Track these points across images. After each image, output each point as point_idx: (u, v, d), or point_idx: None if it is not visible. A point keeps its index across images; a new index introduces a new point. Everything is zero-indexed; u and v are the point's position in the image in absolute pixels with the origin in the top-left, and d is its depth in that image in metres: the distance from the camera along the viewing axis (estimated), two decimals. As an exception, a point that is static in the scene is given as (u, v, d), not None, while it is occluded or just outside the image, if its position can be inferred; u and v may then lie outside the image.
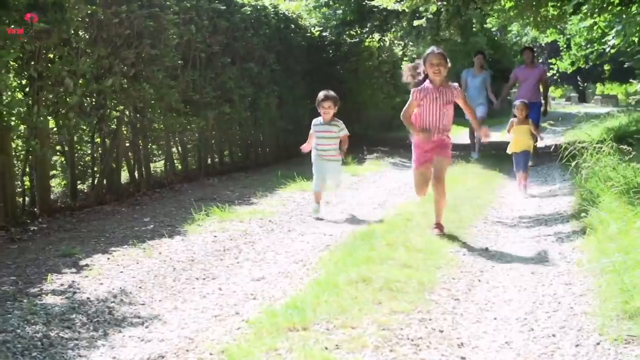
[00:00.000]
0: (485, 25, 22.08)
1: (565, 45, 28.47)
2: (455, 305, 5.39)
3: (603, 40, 20.73)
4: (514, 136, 11.19)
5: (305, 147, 9.55)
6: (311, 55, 17.50)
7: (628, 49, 19.10)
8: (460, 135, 22.54)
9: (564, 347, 4.46)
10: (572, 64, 26.72)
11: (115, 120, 10.29)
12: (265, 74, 14.31)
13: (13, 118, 8.12)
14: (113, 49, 9.69)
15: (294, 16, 16.67)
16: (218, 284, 6.05)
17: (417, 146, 8.05)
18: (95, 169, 10.04)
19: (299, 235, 8.03)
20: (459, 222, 8.40)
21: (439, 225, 7.85)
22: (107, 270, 6.40)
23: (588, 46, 24.36)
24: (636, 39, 16.62)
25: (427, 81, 7.84)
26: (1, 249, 7.16)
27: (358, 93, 19.39)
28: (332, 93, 9.25)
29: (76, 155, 9.82)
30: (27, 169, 8.70)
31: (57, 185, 10.00)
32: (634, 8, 14.98)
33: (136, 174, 11.04)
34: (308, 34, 17.70)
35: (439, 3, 16.30)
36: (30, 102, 8.37)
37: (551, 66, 28.69)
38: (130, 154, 10.92)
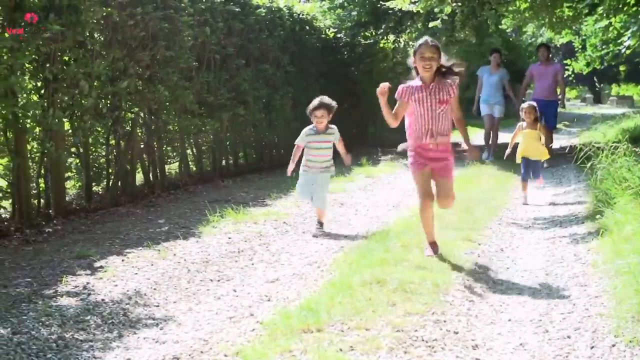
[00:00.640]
0: (500, 26, 22.00)
1: (580, 46, 28.40)
2: (469, 306, 5.37)
3: (618, 41, 20.67)
4: (522, 142, 10.36)
5: (290, 169, 8.37)
6: (326, 56, 17.49)
7: (643, 50, 19.04)
8: (475, 136, 22.51)
9: (579, 348, 4.45)
10: (588, 64, 26.66)
11: (130, 122, 10.33)
12: (279, 76, 14.31)
13: (28, 120, 8.16)
14: (128, 51, 9.72)
15: (309, 18, 16.67)
16: (232, 286, 6.06)
17: (413, 154, 6.80)
18: (110, 170, 10.07)
19: (313, 236, 8.02)
20: (474, 223, 8.37)
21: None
22: (121, 271, 6.42)
23: (603, 47, 24.27)
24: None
25: (417, 78, 6.73)
26: (16, 251, 7.20)
27: (373, 94, 19.30)
28: (327, 100, 8.31)
29: (91, 157, 9.86)
30: (42, 171, 8.74)
31: (72, 187, 10.03)
32: (649, 9, 14.93)
33: (151, 175, 11.07)
34: (323, 36, 17.69)
35: (454, 4, 16.25)
36: (45, 104, 8.40)
37: (566, 67, 28.60)
38: (145, 155, 10.94)
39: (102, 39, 9.54)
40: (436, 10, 16.33)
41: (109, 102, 9.74)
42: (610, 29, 20.66)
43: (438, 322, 4.91)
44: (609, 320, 4.87)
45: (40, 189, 8.75)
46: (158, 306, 5.52)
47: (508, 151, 10.52)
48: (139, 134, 10.72)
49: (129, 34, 9.68)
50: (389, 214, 9.33)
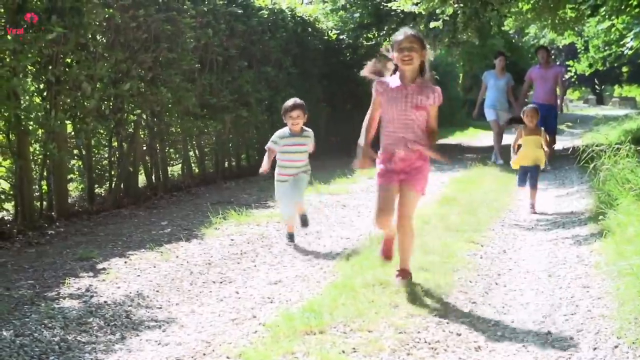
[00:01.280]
0: (502, 28, 21.99)
1: (583, 48, 28.37)
2: (472, 308, 5.37)
3: (621, 42, 20.63)
4: (522, 149, 9.63)
5: (265, 168, 7.65)
6: (328, 58, 17.50)
7: (646, 51, 19.01)
8: (478, 138, 22.52)
9: (582, 350, 4.45)
10: (590, 66, 26.60)
11: (132, 124, 10.34)
12: (282, 77, 14.32)
13: (31, 122, 8.17)
14: (130, 53, 9.72)
15: (311, 19, 16.68)
16: (235, 288, 6.06)
17: (381, 165, 5.88)
18: (113, 172, 10.08)
19: (316, 238, 8.02)
20: (476, 224, 8.37)
21: (402, 272, 5.83)
22: (124, 273, 6.42)
23: (606, 48, 24.24)
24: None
25: (397, 74, 5.80)
26: (19, 253, 7.20)
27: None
28: (299, 101, 7.70)
29: (94, 159, 9.87)
30: (45, 173, 8.75)
31: (74, 189, 10.04)
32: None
33: (153, 177, 11.08)
34: (325, 37, 17.70)
35: (456, 5, 16.25)
36: (47, 106, 8.41)
37: (569, 68, 28.56)
38: (147, 157, 10.96)
39: (104, 41, 9.56)
40: (438, 11, 16.32)
41: (111, 104, 9.75)
42: (613, 30, 20.63)
43: (441, 324, 4.92)
44: (611, 321, 4.87)
45: (43, 191, 8.76)
46: (160, 308, 5.52)
47: (514, 157, 9.84)
48: (142, 135, 10.74)
49: (131, 36, 9.69)
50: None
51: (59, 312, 5.28)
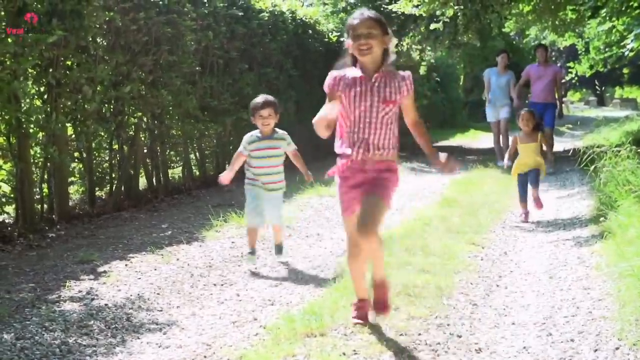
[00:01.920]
0: (503, 30, 21.98)
1: (583, 49, 28.37)
2: (473, 310, 5.37)
3: (622, 44, 20.61)
4: (520, 157, 9.10)
5: (225, 177, 7.03)
6: (329, 60, 17.33)
7: (647, 53, 18.99)
8: (479, 140, 22.49)
9: (583, 352, 4.44)
10: (591, 67, 26.59)
11: (133, 126, 10.34)
12: (282, 80, 14.31)
13: (31, 125, 8.18)
14: (131, 56, 9.73)
15: (312, 22, 16.67)
16: (236, 290, 6.06)
17: (341, 178, 4.87)
18: (114, 175, 10.09)
19: (317, 240, 8.02)
20: (477, 226, 8.37)
21: (379, 294, 4.99)
22: (125, 276, 6.43)
23: (607, 49, 24.22)
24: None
25: (357, 67, 4.74)
26: (20, 256, 7.21)
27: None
28: (271, 98, 6.87)
29: (94, 161, 9.88)
30: (46, 176, 8.75)
31: (75, 191, 10.06)
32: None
33: (154, 180, 11.08)
34: (325, 39, 17.68)
35: (457, 7, 16.25)
36: (48, 109, 8.42)
37: (570, 70, 28.57)
38: (148, 160, 10.96)
39: (105, 43, 9.58)
40: (438, 13, 16.32)
41: (112, 106, 9.76)
42: (614, 31, 20.60)
43: (441, 326, 4.92)
44: (612, 323, 4.86)
45: (44, 194, 8.77)
46: (161, 311, 5.52)
47: (508, 163, 9.50)
48: (142, 138, 10.74)
49: (131, 38, 9.70)
50: (392, 218, 9.29)
51: (59, 315, 5.28)
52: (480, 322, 5.09)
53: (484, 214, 9.16)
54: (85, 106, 8.88)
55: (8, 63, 7.66)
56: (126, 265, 6.83)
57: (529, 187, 9.19)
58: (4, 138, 8.24)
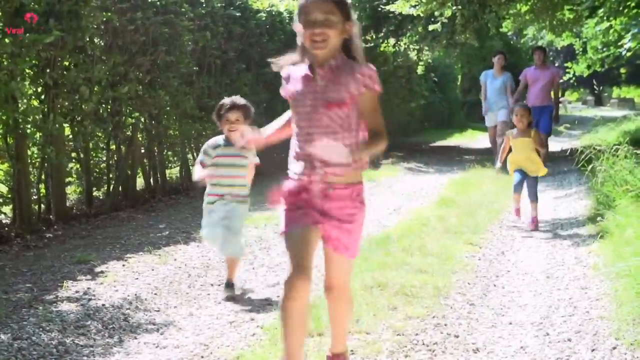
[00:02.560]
0: (500, 30, 22.01)
1: (581, 49, 28.39)
2: (470, 310, 5.37)
3: (619, 44, 20.65)
4: (514, 153, 8.70)
5: (198, 176, 5.98)
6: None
7: (644, 52, 19.03)
8: (477, 140, 22.49)
9: (580, 351, 4.44)
10: (589, 67, 26.60)
11: (130, 127, 10.34)
12: (280, 80, 14.27)
13: (29, 125, 8.17)
14: (128, 56, 9.72)
15: (309, 22, 16.66)
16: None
17: (285, 194, 3.89)
18: (111, 175, 10.09)
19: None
20: (475, 226, 8.37)
21: (336, 358, 4.00)
22: (122, 276, 6.42)
23: (604, 49, 24.25)
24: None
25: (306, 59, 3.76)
26: (17, 256, 7.21)
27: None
28: (241, 100, 5.95)
29: (92, 162, 9.88)
30: (43, 176, 8.75)
31: (72, 192, 10.05)
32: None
33: (151, 180, 11.08)
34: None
35: (454, 8, 16.26)
36: (45, 109, 8.41)
37: (567, 69, 28.58)
38: (145, 160, 10.96)
39: (102, 44, 9.57)
40: (436, 13, 16.33)
41: (109, 107, 9.76)
42: (611, 31, 20.64)
43: (439, 326, 4.92)
44: (609, 322, 4.87)
45: (41, 194, 8.76)
46: (159, 311, 5.52)
47: (499, 164, 9.42)
48: (140, 138, 10.74)
49: (129, 38, 9.69)
50: (389, 218, 9.31)
51: (56, 316, 5.28)
52: (478, 322, 5.09)
53: (482, 214, 9.16)
54: (83, 106, 8.87)
55: (5, 63, 7.65)
56: (123, 265, 6.83)
57: (528, 200, 8.74)
58: (1, 139, 8.22)
